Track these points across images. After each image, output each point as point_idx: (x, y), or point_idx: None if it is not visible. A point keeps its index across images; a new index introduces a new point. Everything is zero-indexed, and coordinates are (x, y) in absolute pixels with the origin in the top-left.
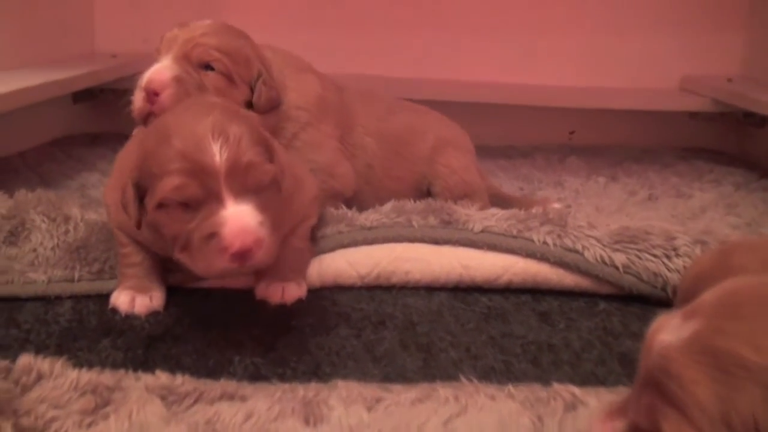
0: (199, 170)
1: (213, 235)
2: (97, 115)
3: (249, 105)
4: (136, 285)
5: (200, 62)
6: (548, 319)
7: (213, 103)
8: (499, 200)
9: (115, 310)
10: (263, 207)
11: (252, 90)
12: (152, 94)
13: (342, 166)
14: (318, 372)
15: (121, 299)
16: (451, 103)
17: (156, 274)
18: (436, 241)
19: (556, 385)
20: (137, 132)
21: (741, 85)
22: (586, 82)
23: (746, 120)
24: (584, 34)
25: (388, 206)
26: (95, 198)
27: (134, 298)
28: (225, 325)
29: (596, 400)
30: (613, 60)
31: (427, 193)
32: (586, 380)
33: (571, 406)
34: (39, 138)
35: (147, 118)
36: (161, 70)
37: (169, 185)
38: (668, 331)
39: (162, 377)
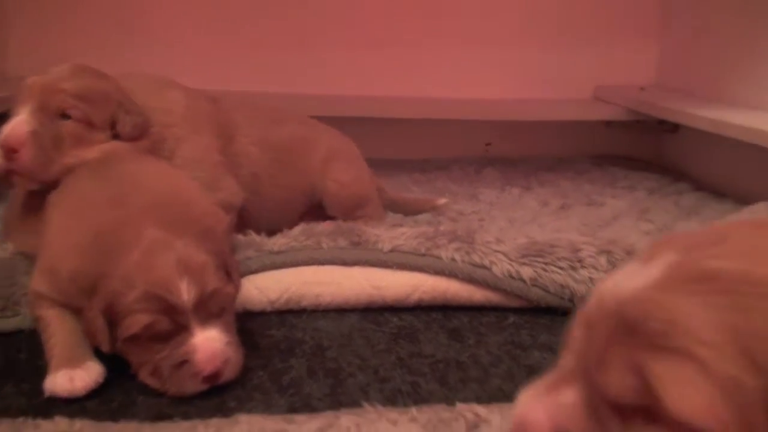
0: (168, 308)
1: (184, 362)
2: None
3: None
4: (69, 358)
5: (57, 111)
6: (458, 335)
7: (171, 238)
8: (390, 204)
9: (20, 349)
10: (228, 326)
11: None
12: (10, 152)
13: (225, 180)
14: (222, 408)
15: (59, 382)
16: (367, 119)
17: (86, 342)
18: (346, 263)
19: (459, 405)
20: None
21: (653, 94)
22: (502, 94)
23: (660, 127)
24: (498, 47)
25: (297, 229)
26: None
27: (72, 377)
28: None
29: (500, 418)
30: (527, 72)
31: (320, 204)
32: (493, 396)
33: (474, 426)
34: None
35: (7, 176)
36: (18, 125)
37: (139, 323)
38: (627, 280)
39: (61, 423)
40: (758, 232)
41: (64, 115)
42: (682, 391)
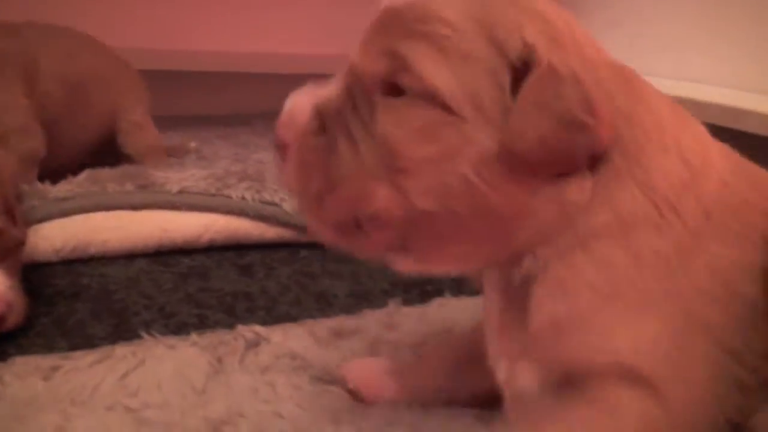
0: None
1: None
2: None
3: None
4: None
5: None
6: (249, 271)
7: None
8: None
9: None
10: (11, 271)
11: None
12: None
13: (34, 128)
14: (2, 355)
15: None
16: (173, 72)
17: None
18: (134, 207)
19: (240, 327)
20: None
21: None
22: (306, 49)
23: None
24: (305, 4)
25: (83, 175)
26: None
27: None
28: None
29: (281, 335)
30: (333, 27)
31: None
32: (279, 320)
33: (254, 344)
34: None
35: None
36: None
37: None
38: None
39: None
40: None
41: None
42: (428, 65)
